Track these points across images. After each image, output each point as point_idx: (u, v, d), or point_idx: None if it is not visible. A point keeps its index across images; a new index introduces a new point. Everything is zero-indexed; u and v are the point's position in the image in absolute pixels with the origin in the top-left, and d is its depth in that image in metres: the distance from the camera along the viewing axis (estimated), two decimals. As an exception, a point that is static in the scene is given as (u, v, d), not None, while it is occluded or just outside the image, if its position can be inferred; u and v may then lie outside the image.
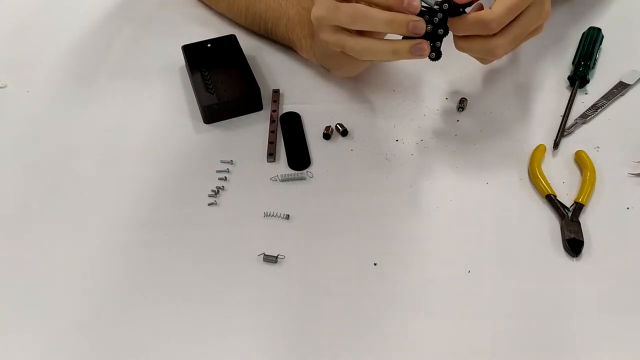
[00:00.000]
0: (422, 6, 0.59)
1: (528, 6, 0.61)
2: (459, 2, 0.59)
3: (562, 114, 0.71)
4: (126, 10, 0.91)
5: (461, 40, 0.62)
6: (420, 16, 0.58)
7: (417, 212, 0.63)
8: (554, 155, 0.68)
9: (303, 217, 0.63)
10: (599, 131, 0.70)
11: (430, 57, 0.61)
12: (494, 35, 0.60)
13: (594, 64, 0.77)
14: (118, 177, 0.68)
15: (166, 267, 0.60)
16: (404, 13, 0.58)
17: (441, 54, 0.62)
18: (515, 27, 0.61)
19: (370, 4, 0.61)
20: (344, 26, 0.63)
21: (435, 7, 0.59)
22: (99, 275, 0.59)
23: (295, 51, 0.80)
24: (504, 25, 0.60)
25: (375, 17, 0.60)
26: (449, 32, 0.61)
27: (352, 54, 0.63)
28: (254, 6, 0.81)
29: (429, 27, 0.59)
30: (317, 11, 0.65)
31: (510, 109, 0.73)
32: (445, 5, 0.59)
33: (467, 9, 0.60)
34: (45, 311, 0.57)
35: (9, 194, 0.67)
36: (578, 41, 0.79)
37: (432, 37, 0.60)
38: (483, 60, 0.67)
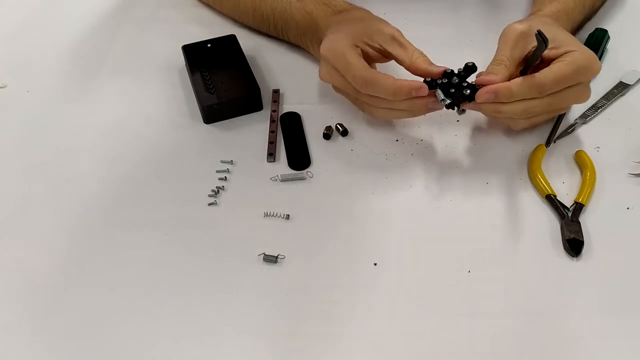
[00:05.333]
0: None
1: (576, 84, 0.63)
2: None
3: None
4: (126, 10, 0.91)
5: (503, 104, 0.62)
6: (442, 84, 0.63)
7: (417, 212, 0.63)
8: (550, 154, 0.68)
9: (303, 217, 0.63)
10: (599, 131, 0.70)
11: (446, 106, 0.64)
12: (535, 98, 0.62)
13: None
14: (118, 177, 0.68)
15: (166, 267, 0.59)
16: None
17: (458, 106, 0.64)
18: (557, 96, 0.62)
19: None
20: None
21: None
22: (99, 275, 0.59)
23: (296, 51, 0.80)
24: (552, 91, 0.61)
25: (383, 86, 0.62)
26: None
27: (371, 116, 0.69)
28: (260, 7, 0.80)
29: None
30: (323, 76, 0.69)
31: (510, 109, 0.73)
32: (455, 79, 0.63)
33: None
34: (44, 311, 0.57)
35: (9, 194, 0.67)
36: (584, 42, 0.79)
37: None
38: (515, 124, 0.67)
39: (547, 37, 0.58)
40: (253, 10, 0.82)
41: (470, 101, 0.63)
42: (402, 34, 0.67)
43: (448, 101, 0.62)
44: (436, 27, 0.84)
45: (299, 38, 0.79)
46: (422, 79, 0.63)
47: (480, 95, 0.61)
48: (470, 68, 0.63)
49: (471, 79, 0.64)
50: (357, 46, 0.66)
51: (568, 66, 0.61)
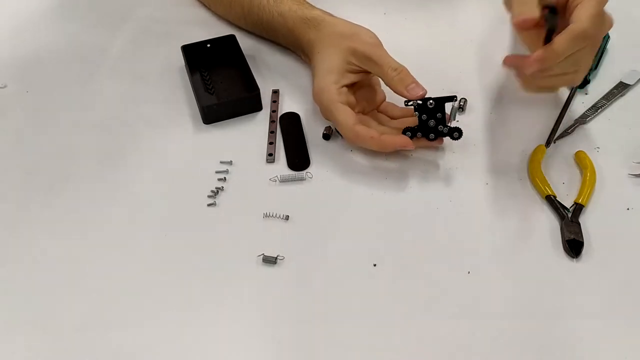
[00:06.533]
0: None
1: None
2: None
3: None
4: (126, 10, 0.91)
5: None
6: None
7: (417, 212, 0.63)
8: (550, 154, 0.68)
9: (303, 217, 0.63)
10: (598, 131, 0.70)
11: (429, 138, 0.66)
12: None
13: (597, 65, 0.76)
14: (118, 178, 0.68)
15: (166, 267, 0.59)
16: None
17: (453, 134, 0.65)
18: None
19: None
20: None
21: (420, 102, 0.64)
22: (98, 275, 0.59)
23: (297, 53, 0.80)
24: (593, 32, 0.58)
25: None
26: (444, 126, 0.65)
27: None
28: (250, 15, 0.81)
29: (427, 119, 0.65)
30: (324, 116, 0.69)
31: (510, 110, 0.73)
32: (431, 103, 0.63)
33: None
34: (44, 312, 0.57)
35: (8, 194, 0.67)
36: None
37: (432, 128, 0.65)
38: (529, 85, 0.66)
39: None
40: (244, 17, 0.82)
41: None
42: (376, 45, 0.67)
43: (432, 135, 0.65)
44: (436, 27, 0.84)
45: (289, 46, 0.80)
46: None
47: (528, 65, 0.58)
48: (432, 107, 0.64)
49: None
50: (343, 85, 0.67)
51: (592, 2, 0.58)
